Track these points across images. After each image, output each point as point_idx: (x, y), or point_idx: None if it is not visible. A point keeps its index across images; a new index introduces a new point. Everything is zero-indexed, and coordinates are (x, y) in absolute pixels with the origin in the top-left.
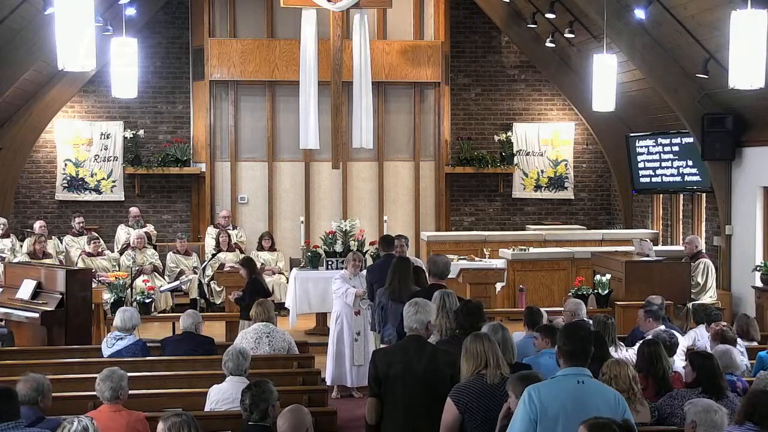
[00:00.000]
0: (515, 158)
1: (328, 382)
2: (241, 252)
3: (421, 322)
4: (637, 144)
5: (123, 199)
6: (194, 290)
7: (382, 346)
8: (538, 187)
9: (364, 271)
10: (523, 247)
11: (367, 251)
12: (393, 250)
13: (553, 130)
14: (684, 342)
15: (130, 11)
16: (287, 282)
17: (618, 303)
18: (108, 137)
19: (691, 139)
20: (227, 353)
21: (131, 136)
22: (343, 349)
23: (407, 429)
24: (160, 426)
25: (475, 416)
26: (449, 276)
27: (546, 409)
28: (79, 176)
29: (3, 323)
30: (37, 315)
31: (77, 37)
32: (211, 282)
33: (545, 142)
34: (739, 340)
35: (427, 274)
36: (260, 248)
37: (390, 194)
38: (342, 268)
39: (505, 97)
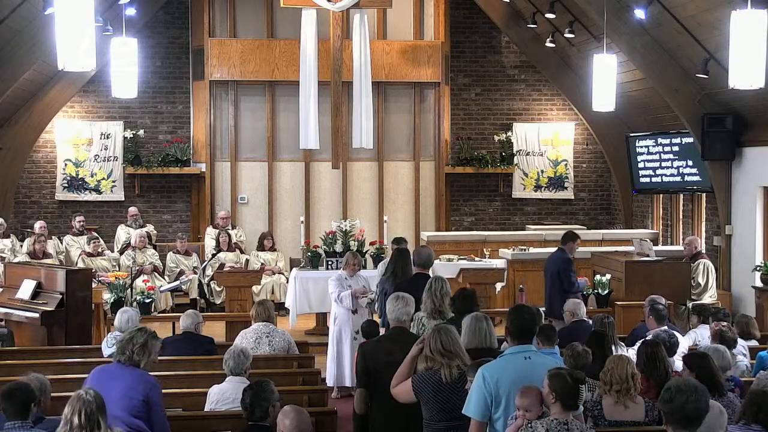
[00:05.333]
0: (515, 158)
1: (329, 383)
2: (242, 252)
3: (408, 314)
4: (637, 144)
5: (123, 199)
6: (194, 290)
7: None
8: (538, 187)
9: (363, 271)
10: (523, 247)
11: (366, 251)
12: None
13: (553, 130)
14: (684, 342)
15: (130, 11)
16: (287, 282)
17: (618, 303)
18: (108, 137)
19: (691, 139)
20: (229, 352)
21: (131, 136)
22: (342, 349)
23: (394, 418)
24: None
25: (431, 407)
26: (452, 276)
27: (498, 386)
28: (79, 176)
29: (3, 323)
30: (37, 315)
31: (77, 37)
32: (211, 282)
33: (545, 142)
34: (740, 340)
35: (412, 265)
36: (261, 248)
37: (390, 194)
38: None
39: (505, 97)
